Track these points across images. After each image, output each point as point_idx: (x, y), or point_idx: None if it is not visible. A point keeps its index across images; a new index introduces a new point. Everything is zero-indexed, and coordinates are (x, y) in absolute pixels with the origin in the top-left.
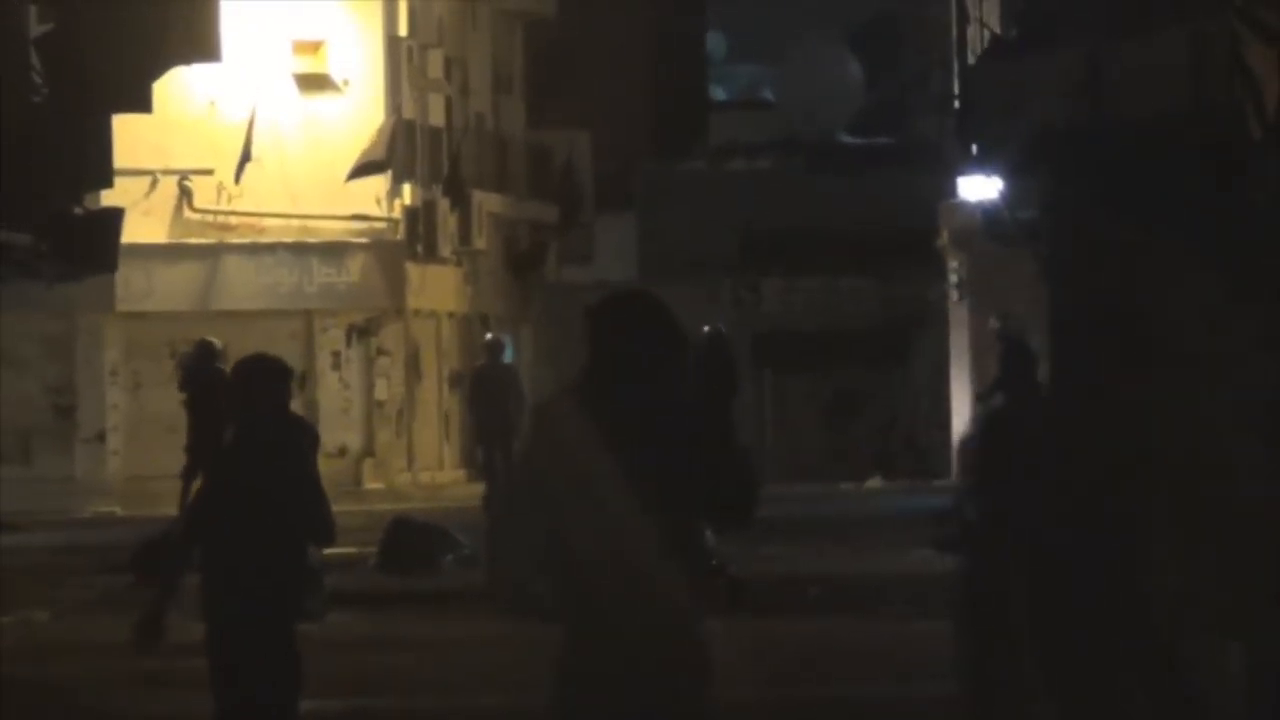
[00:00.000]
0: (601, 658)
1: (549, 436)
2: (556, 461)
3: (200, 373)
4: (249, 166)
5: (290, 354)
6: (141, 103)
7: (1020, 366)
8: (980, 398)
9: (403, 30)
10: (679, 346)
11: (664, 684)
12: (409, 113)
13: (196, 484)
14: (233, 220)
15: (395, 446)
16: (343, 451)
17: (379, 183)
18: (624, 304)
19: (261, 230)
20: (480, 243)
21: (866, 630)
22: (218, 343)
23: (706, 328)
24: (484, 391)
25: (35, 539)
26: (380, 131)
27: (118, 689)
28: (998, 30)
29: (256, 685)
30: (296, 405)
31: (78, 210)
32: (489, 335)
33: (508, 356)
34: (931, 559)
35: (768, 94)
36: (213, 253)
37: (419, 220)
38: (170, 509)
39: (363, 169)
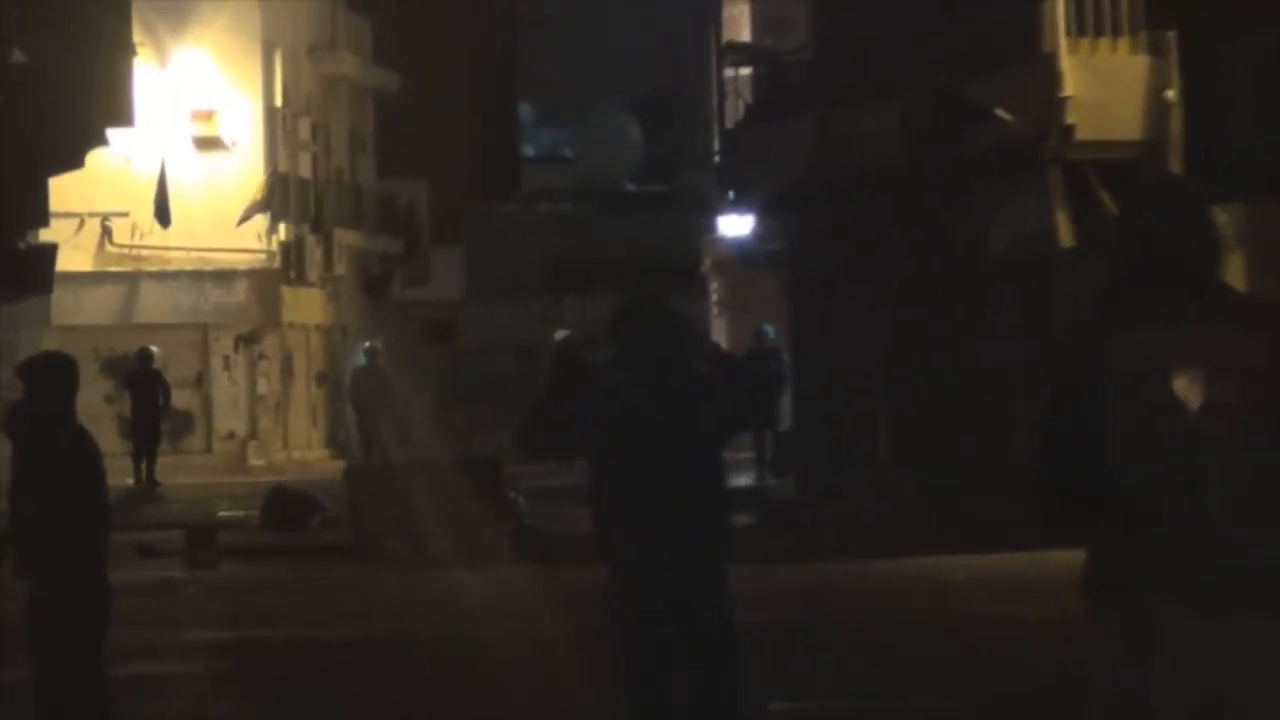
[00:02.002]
0: (644, 579)
1: (598, 415)
2: (608, 435)
3: (141, 373)
4: (155, 208)
5: (190, 358)
6: (73, 163)
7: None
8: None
9: (279, 102)
10: (685, 334)
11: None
12: (284, 167)
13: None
14: (145, 253)
15: (273, 431)
16: (231, 435)
17: (260, 222)
18: (644, 307)
19: (168, 261)
20: (340, 269)
21: None
22: (153, 349)
23: (561, 333)
24: (363, 388)
25: None
26: (261, 186)
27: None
28: (750, 101)
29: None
30: (195, 400)
31: (20, 245)
32: (368, 344)
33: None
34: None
35: (567, 151)
36: (129, 279)
37: (292, 252)
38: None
39: (248, 214)
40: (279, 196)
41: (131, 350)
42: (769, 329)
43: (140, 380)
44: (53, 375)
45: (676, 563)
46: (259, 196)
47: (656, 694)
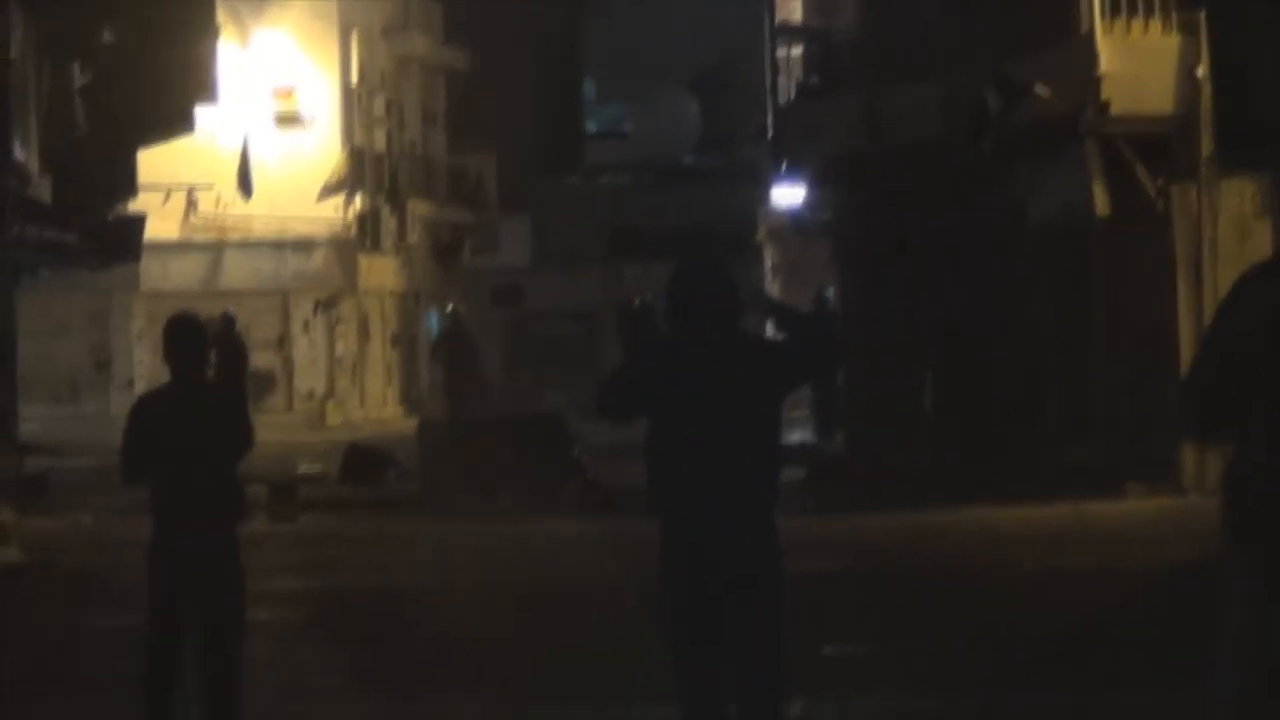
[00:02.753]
0: (693, 530)
1: (655, 372)
2: (663, 391)
3: (224, 336)
4: (238, 180)
5: (272, 322)
6: (161, 138)
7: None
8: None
9: (355, 80)
10: (739, 293)
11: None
12: (359, 142)
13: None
14: (228, 223)
15: (350, 390)
16: (311, 394)
17: (338, 195)
18: (699, 267)
19: (250, 230)
20: (413, 238)
21: None
22: (233, 313)
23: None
24: (449, 348)
25: (81, 461)
26: (339, 165)
27: (143, 575)
28: (801, 79)
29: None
30: (276, 361)
31: (111, 217)
32: (451, 306)
33: (434, 323)
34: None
35: (627, 127)
36: (213, 247)
37: (368, 222)
38: None
39: (325, 192)
40: (354, 170)
41: (218, 315)
42: (828, 291)
43: (224, 343)
44: (195, 334)
45: (726, 516)
46: (337, 177)
47: (707, 643)
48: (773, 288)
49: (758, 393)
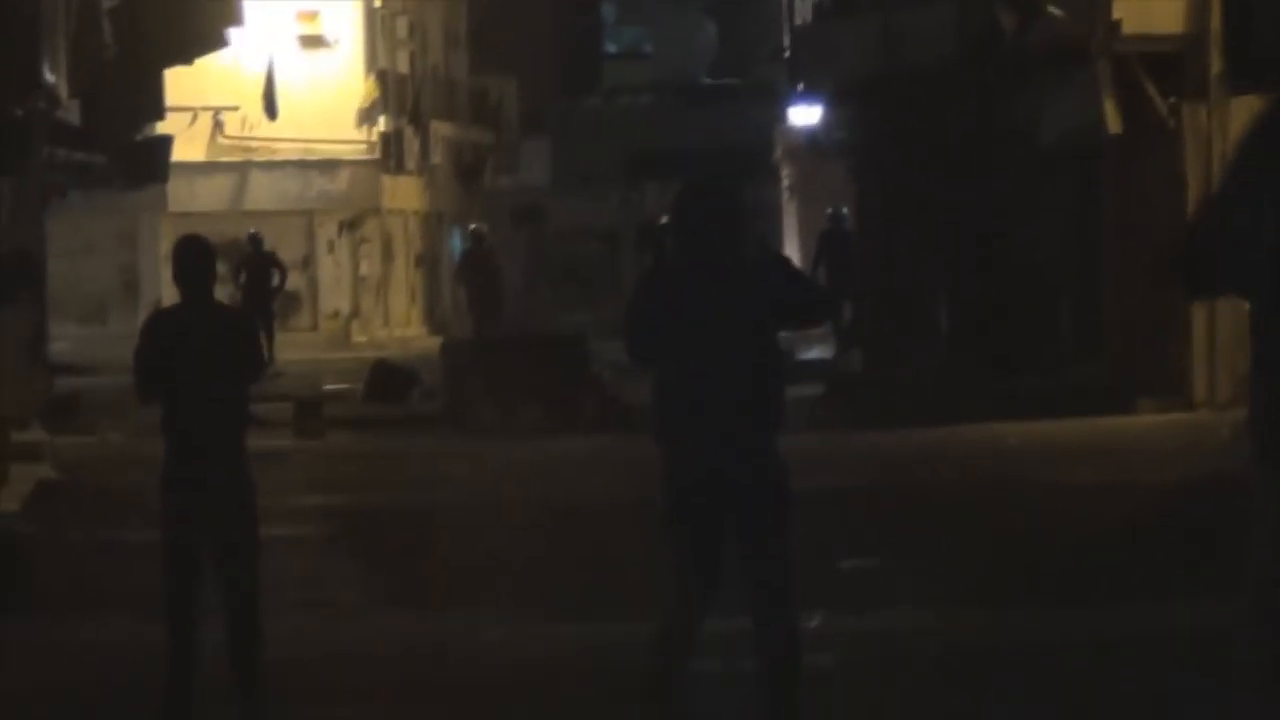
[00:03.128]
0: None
1: (653, 297)
2: (659, 315)
3: (254, 256)
4: (264, 102)
5: (297, 243)
6: (186, 60)
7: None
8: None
9: (378, 2)
10: (739, 217)
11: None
12: (383, 64)
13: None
14: (253, 144)
15: (375, 310)
16: (336, 314)
17: (361, 115)
18: (704, 193)
19: (275, 151)
20: (436, 159)
21: None
22: (259, 234)
23: (472, 226)
24: (474, 266)
25: (111, 380)
26: (370, 89)
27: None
28: (817, 1)
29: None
30: (301, 281)
31: (138, 138)
32: (474, 225)
33: (456, 243)
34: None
35: (646, 48)
36: (239, 168)
37: (391, 143)
38: None
39: (362, 116)
40: (379, 93)
41: (243, 235)
42: (844, 210)
43: (253, 263)
44: (204, 255)
45: (727, 443)
46: (370, 101)
47: (707, 562)
48: (790, 206)
49: (754, 319)
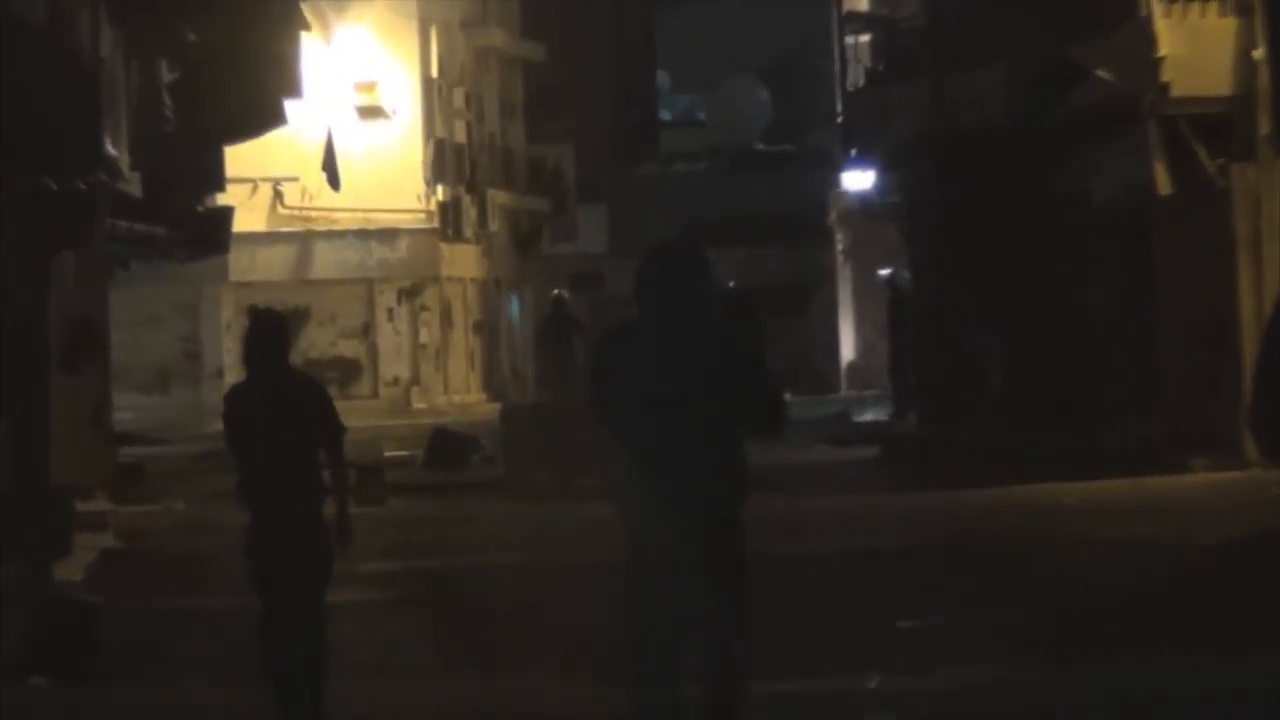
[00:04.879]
0: (653, 529)
1: (612, 362)
2: (618, 382)
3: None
4: (326, 174)
5: (357, 310)
6: (251, 134)
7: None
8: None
9: (435, 73)
10: (707, 289)
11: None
12: (440, 133)
13: None
14: (313, 214)
15: (434, 376)
16: (396, 381)
17: (420, 184)
18: (662, 257)
19: (335, 221)
20: (494, 226)
21: (775, 502)
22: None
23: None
24: (549, 333)
25: (173, 449)
26: (429, 159)
27: (238, 558)
28: (869, 65)
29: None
30: (362, 349)
31: (200, 209)
32: (556, 291)
33: (515, 310)
34: (828, 452)
35: (701, 115)
36: (299, 238)
37: (449, 211)
38: None
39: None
40: (437, 162)
41: (302, 304)
42: (905, 273)
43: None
44: (272, 329)
45: (685, 510)
46: (429, 173)
47: (668, 641)
48: (845, 269)
49: (710, 390)
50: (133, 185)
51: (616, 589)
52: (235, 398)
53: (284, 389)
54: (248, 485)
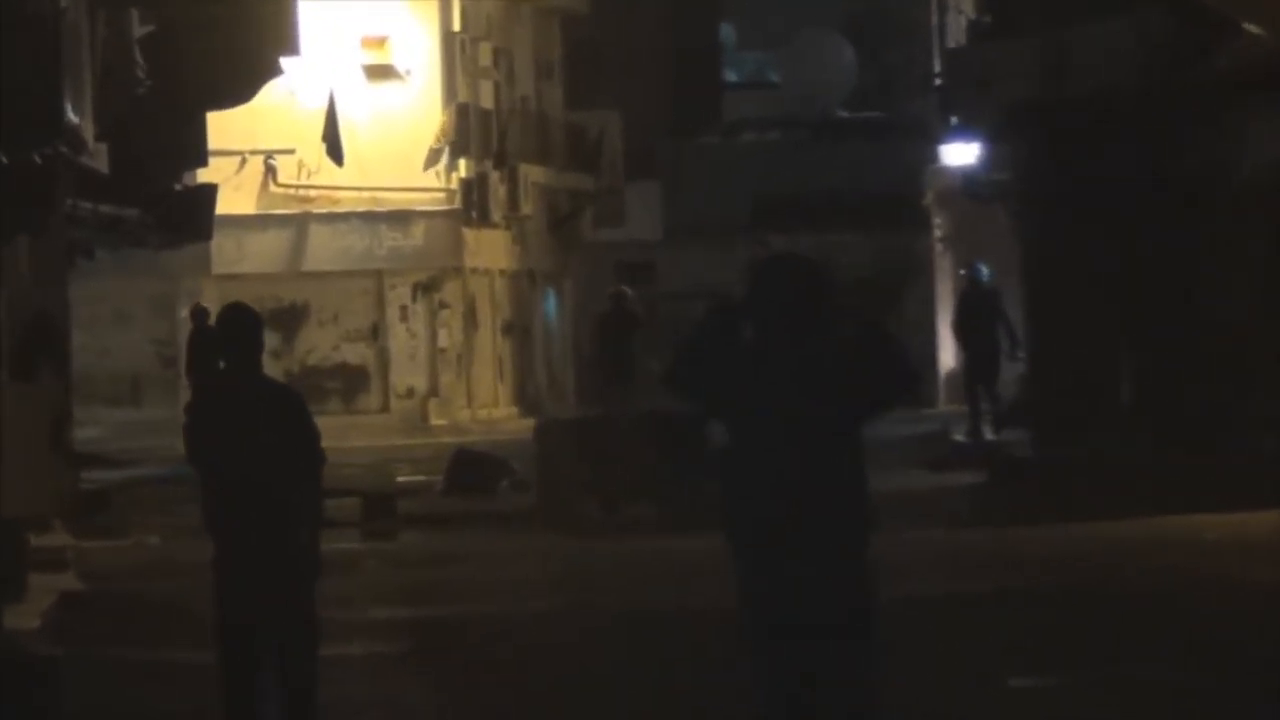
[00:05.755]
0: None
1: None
2: (718, 393)
3: (200, 330)
4: (327, 146)
5: (364, 309)
6: (238, 98)
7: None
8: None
9: (456, 26)
10: (824, 297)
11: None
12: (463, 97)
13: None
14: (312, 193)
15: (456, 387)
16: (410, 392)
17: (432, 156)
18: (780, 264)
19: (337, 202)
20: (526, 209)
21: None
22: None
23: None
24: (609, 333)
25: (146, 472)
26: (443, 127)
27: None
28: (973, 18)
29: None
30: (369, 354)
31: (178, 187)
32: (614, 287)
33: (551, 307)
34: (925, 477)
35: (772, 76)
36: (295, 222)
37: (474, 190)
38: None
39: (434, 159)
40: (458, 131)
41: (299, 301)
42: (984, 268)
43: (204, 340)
44: (245, 329)
45: (803, 547)
46: (442, 140)
47: (786, 698)
48: (942, 261)
49: (832, 410)
50: (98, 159)
51: (668, 642)
52: (198, 409)
53: (257, 400)
54: (213, 513)
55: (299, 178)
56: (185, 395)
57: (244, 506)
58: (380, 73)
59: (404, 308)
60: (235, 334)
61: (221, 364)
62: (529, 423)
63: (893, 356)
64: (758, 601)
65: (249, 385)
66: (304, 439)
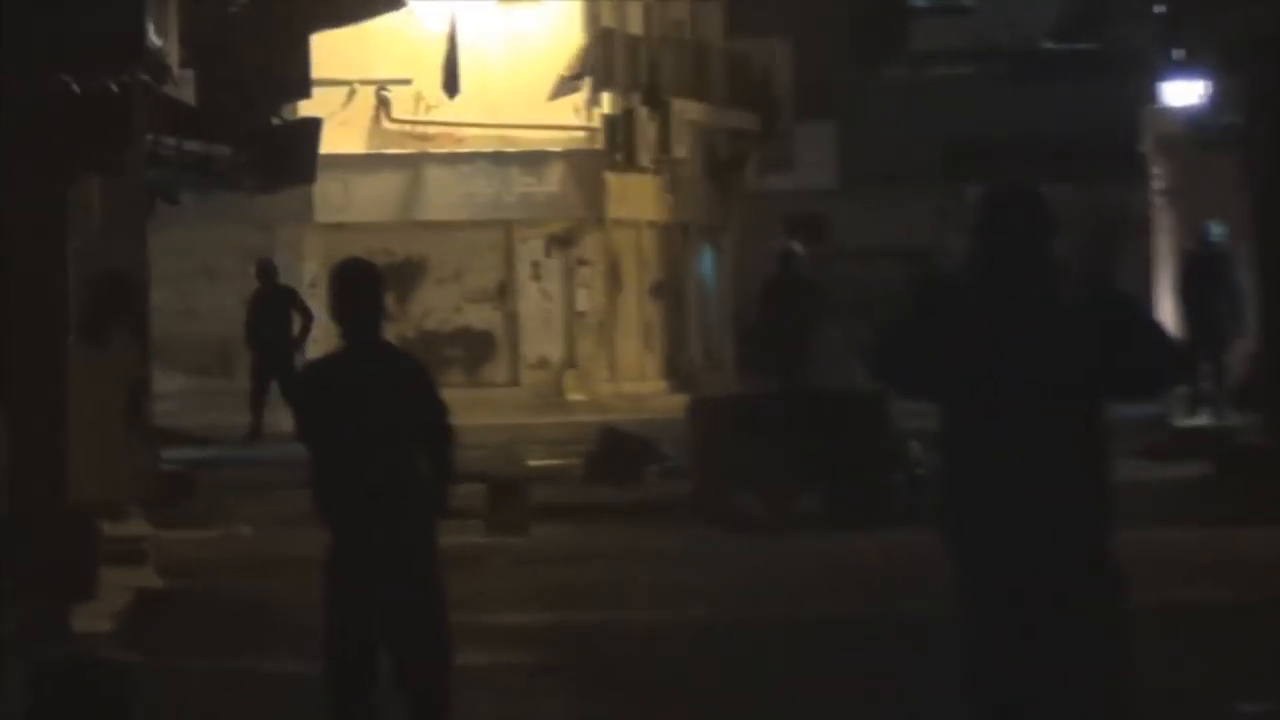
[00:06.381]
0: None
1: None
2: (952, 352)
3: (265, 291)
4: (444, 74)
5: (490, 265)
6: (346, 19)
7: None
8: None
9: None
10: (1052, 234)
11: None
12: (607, 21)
13: None
14: (431, 130)
15: (597, 357)
16: (543, 363)
17: (578, 93)
18: (1000, 198)
19: (460, 140)
20: (680, 151)
21: None
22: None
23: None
24: (775, 297)
25: (237, 453)
26: (580, 50)
27: (318, 605)
28: None
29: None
30: (496, 318)
31: (276, 121)
32: (782, 242)
33: (708, 266)
34: (1144, 468)
35: (968, 1)
36: (411, 163)
37: (618, 129)
38: None
39: (564, 88)
40: (602, 59)
41: (414, 255)
42: (1215, 227)
43: (266, 303)
44: (363, 288)
45: (1028, 544)
46: (577, 67)
47: (1010, 702)
48: (1163, 217)
49: (1075, 380)
50: (184, 88)
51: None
52: (310, 380)
53: (378, 370)
54: (326, 501)
55: (416, 112)
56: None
57: (364, 493)
58: None
59: (536, 264)
60: (353, 293)
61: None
62: (681, 399)
63: (1157, 336)
64: (988, 602)
65: (369, 353)
66: (433, 415)
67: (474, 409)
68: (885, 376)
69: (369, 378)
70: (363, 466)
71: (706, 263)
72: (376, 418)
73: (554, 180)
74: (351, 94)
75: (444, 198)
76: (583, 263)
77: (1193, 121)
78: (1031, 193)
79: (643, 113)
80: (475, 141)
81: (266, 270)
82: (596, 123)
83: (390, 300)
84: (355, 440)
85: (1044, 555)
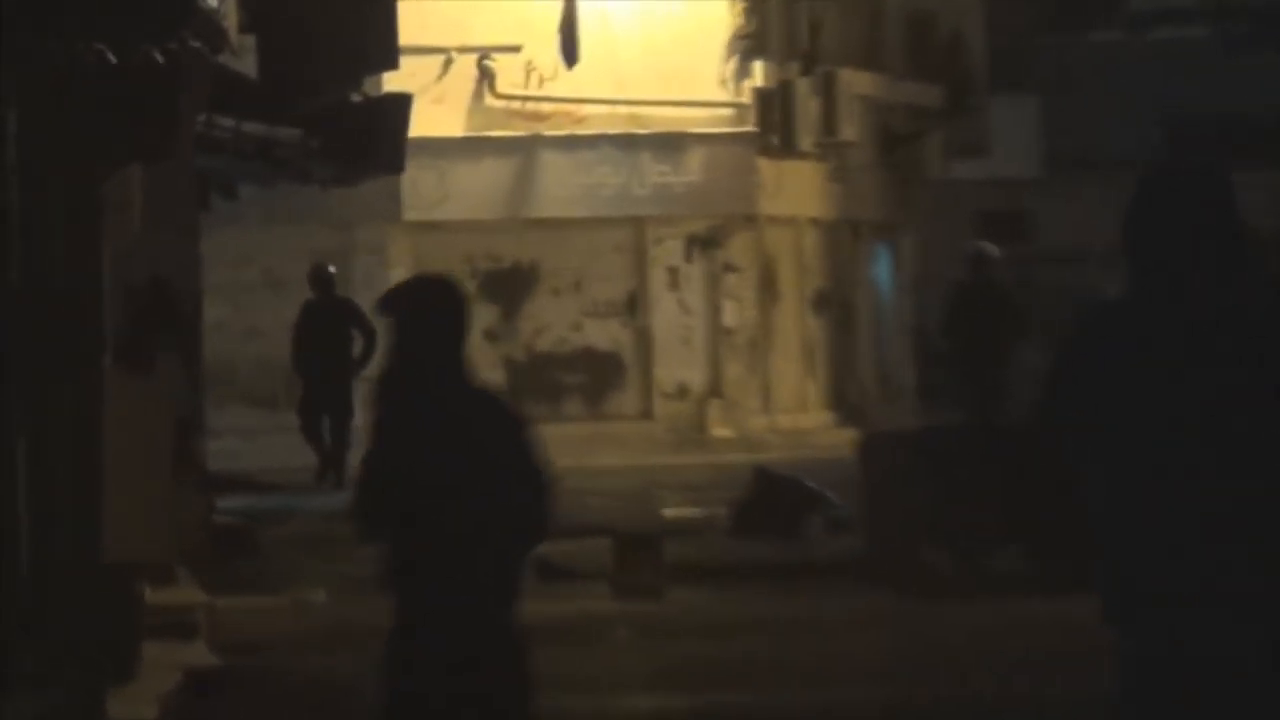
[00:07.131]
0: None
1: (1096, 365)
2: (1104, 395)
3: (318, 303)
4: (561, 40)
5: (617, 271)
6: None
7: None
8: None
9: None
10: (1230, 223)
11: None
12: None
13: None
14: (545, 108)
15: (747, 383)
16: (682, 390)
17: (724, 62)
18: (1164, 185)
19: (581, 120)
20: (849, 132)
21: None
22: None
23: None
24: (967, 310)
25: (308, 501)
26: (741, 14)
27: None
28: None
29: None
30: (624, 335)
31: (355, 98)
32: (975, 244)
33: (883, 273)
34: None
35: None
36: (522, 148)
37: (773, 105)
38: None
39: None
40: (755, 23)
41: (525, 260)
42: None
43: (317, 318)
44: (437, 311)
45: (1219, 621)
46: (740, 32)
47: None
48: None
49: (1265, 408)
50: (243, 58)
51: None
52: (387, 423)
53: (457, 415)
54: (398, 565)
55: (527, 86)
56: (363, 393)
57: (439, 557)
58: None
59: (674, 270)
60: (429, 319)
61: (405, 359)
62: (850, 435)
63: None
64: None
65: (445, 393)
66: (523, 471)
67: (598, 446)
68: (1047, 434)
69: (451, 426)
70: (441, 531)
71: (882, 269)
72: (459, 474)
73: (695, 168)
74: (448, 64)
75: (561, 190)
76: (730, 268)
77: None
78: (1200, 171)
79: (802, 85)
80: (599, 122)
81: (321, 277)
82: (746, 98)
83: (495, 315)
84: (431, 500)
85: (1230, 645)
